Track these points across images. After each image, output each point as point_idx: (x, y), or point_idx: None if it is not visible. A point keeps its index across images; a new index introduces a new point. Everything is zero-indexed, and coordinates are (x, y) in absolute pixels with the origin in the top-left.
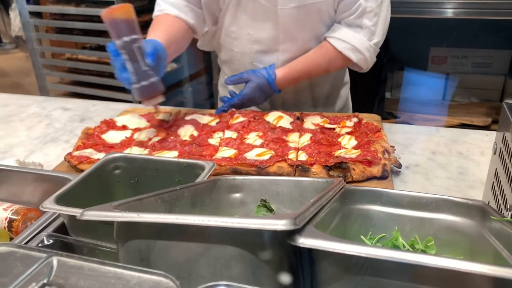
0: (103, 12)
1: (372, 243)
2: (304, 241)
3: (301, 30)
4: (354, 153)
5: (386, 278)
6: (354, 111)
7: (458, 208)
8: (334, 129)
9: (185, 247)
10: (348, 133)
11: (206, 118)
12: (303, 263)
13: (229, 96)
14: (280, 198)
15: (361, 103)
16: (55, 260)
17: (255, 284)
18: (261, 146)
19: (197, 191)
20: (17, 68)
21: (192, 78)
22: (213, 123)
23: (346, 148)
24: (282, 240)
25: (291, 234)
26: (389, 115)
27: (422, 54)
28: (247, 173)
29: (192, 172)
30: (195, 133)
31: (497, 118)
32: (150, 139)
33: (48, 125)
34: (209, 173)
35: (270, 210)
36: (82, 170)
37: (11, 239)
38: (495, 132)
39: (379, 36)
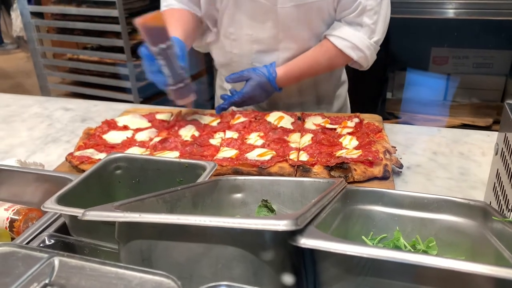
0: (138, 21)
1: (373, 244)
2: (306, 242)
3: (301, 29)
4: (356, 154)
5: (388, 278)
6: (355, 111)
7: (459, 208)
8: (335, 129)
9: (187, 247)
10: (349, 133)
11: (207, 119)
12: (306, 263)
13: (229, 94)
14: (281, 198)
15: (362, 104)
16: (56, 261)
17: (256, 285)
18: (262, 146)
19: (198, 192)
20: (18, 68)
21: (193, 78)
22: (214, 124)
23: (347, 149)
24: (284, 241)
25: (292, 234)
26: (390, 116)
27: (423, 55)
28: (248, 174)
29: (193, 173)
30: (196, 134)
31: (498, 118)
32: (151, 139)
33: (50, 125)
34: (210, 174)
35: (271, 210)
36: (83, 170)
37: (12, 239)
38: (496, 133)
39: (379, 34)
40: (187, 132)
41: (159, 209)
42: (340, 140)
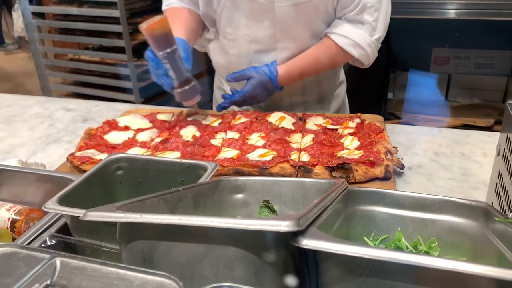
0: (144, 26)
1: (375, 244)
2: (308, 243)
3: (299, 28)
4: (357, 154)
5: (390, 279)
6: (356, 112)
7: (461, 209)
8: (336, 130)
9: (188, 248)
10: (350, 134)
11: (208, 119)
12: (308, 264)
13: (230, 94)
14: (282, 199)
15: (363, 104)
16: (58, 261)
17: (258, 286)
18: (264, 146)
19: (200, 192)
20: (19, 69)
21: (195, 78)
22: (216, 124)
23: (349, 149)
24: (285, 241)
25: (294, 235)
26: (391, 116)
27: (425, 55)
28: (250, 174)
29: (195, 173)
30: (198, 134)
31: (499, 119)
32: (152, 140)
33: (51, 125)
34: (212, 174)
35: (273, 211)
36: (84, 171)
37: (13, 239)
38: (497, 133)
39: (380, 32)
40: (188, 133)
41: (160, 210)
42: (342, 140)
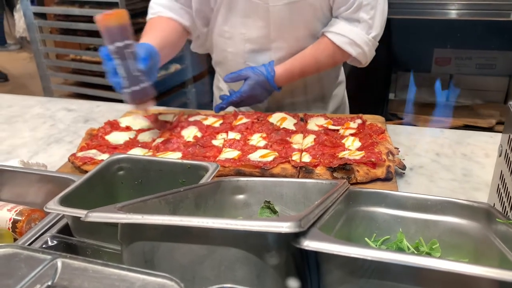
0: (98, 17)
1: (376, 245)
2: (309, 244)
3: (294, 28)
4: (358, 155)
5: (391, 281)
6: (357, 112)
7: (463, 210)
8: (338, 130)
9: (189, 249)
10: (352, 134)
11: (209, 119)
12: (309, 265)
13: (228, 94)
14: (284, 199)
15: (364, 105)
16: (59, 262)
17: (259, 287)
18: (265, 147)
19: (201, 193)
20: (21, 69)
21: (195, 79)
22: (217, 124)
23: (350, 150)
24: (287, 243)
25: (295, 236)
26: (393, 117)
27: (426, 55)
28: (251, 175)
29: (196, 174)
30: (199, 134)
31: (501, 119)
32: (153, 140)
33: (52, 126)
34: (213, 175)
35: (274, 211)
36: (86, 171)
37: (15, 239)
38: (499, 134)
39: (377, 30)
40: (190, 133)
41: (162, 210)
42: (343, 141)
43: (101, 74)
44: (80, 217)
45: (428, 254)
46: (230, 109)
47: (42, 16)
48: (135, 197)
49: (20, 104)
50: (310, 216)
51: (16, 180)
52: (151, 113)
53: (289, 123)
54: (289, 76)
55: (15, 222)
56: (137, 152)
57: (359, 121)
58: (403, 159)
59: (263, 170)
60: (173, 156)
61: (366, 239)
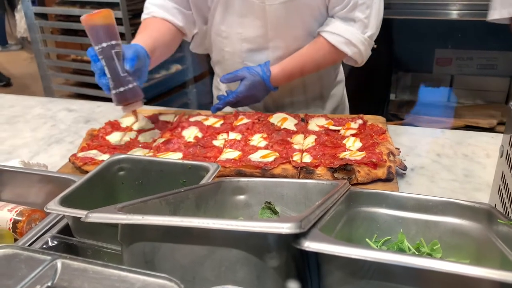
0: (83, 17)
1: (377, 246)
2: (310, 245)
3: (291, 27)
4: (359, 155)
5: (392, 282)
6: (358, 112)
7: (464, 211)
8: (338, 131)
9: (190, 249)
10: (353, 135)
11: (210, 120)
12: (310, 266)
13: (225, 95)
14: (284, 200)
15: (365, 105)
16: (59, 263)
17: None
18: (266, 147)
19: (202, 193)
20: (22, 69)
21: (196, 79)
22: (218, 125)
23: (351, 150)
24: (287, 244)
25: (296, 237)
26: (394, 117)
27: (427, 56)
28: (252, 175)
29: (197, 174)
30: (200, 135)
31: (502, 119)
32: (154, 141)
33: (53, 126)
34: (214, 175)
35: (275, 212)
36: (86, 172)
37: (15, 240)
38: (500, 134)
39: (372, 29)
40: (190, 134)
41: (162, 211)
42: (344, 141)
43: None
44: (80, 218)
45: (429, 255)
46: (230, 109)
47: (43, 16)
48: (135, 197)
49: (21, 104)
50: (310, 217)
51: (16, 180)
52: (141, 114)
53: (290, 123)
54: (285, 76)
55: (15, 223)
56: (137, 153)
57: (360, 121)
58: (404, 160)
59: (263, 170)
60: (174, 157)
61: (367, 240)
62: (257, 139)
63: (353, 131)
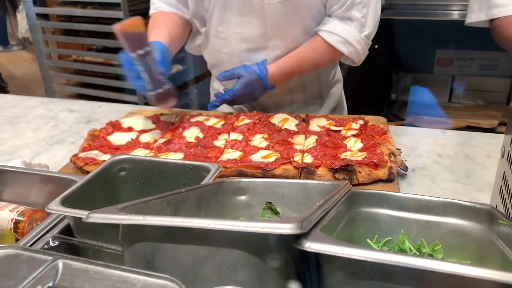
0: (116, 27)
1: (378, 247)
2: (311, 245)
3: (290, 26)
4: (360, 156)
5: (393, 282)
6: (359, 113)
7: (465, 211)
8: (340, 131)
9: (191, 250)
10: (354, 135)
11: (211, 120)
12: (310, 267)
13: (222, 92)
14: (285, 200)
15: (366, 105)
16: (60, 263)
17: None
18: (267, 148)
19: (203, 194)
20: (23, 70)
21: (197, 80)
22: (219, 125)
23: (352, 151)
24: (288, 244)
25: (297, 238)
26: (395, 118)
27: (428, 56)
28: (253, 175)
29: (198, 174)
30: (201, 135)
31: (503, 120)
32: (155, 141)
33: (54, 126)
34: (215, 175)
35: (276, 213)
36: (87, 172)
37: (16, 240)
38: (501, 135)
39: (370, 28)
40: (191, 134)
41: (163, 211)
42: (345, 142)
43: (103, 75)
44: (81, 218)
45: (430, 256)
46: (231, 110)
47: (44, 17)
48: (136, 198)
49: (22, 104)
50: (311, 217)
51: (18, 180)
52: (172, 111)
53: (291, 124)
54: (282, 74)
55: (17, 223)
56: (139, 153)
57: (361, 122)
58: (405, 160)
59: (264, 171)
60: (175, 157)
61: (368, 240)
62: (258, 140)
63: (354, 132)
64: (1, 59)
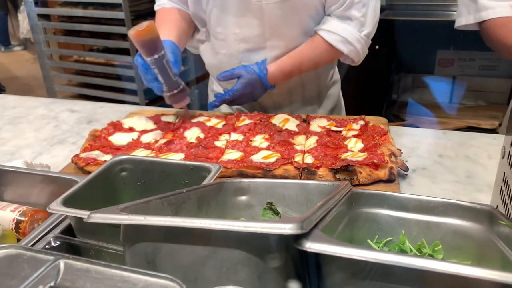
0: (132, 34)
1: (379, 247)
2: (311, 246)
3: (288, 26)
4: (361, 156)
5: (393, 283)
6: (360, 113)
7: (465, 212)
8: (340, 132)
9: (192, 250)
10: (354, 136)
11: (212, 121)
12: (310, 267)
13: (222, 92)
14: (286, 201)
15: (367, 106)
16: (62, 263)
17: None
18: (267, 148)
19: (203, 194)
20: (25, 70)
21: (198, 80)
22: (219, 126)
23: (353, 151)
24: (289, 244)
25: (297, 238)
26: (395, 118)
27: (429, 57)
28: (253, 176)
29: (199, 175)
30: (202, 135)
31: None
32: (156, 141)
33: (56, 127)
34: (215, 176)
35: (276, 213)
36: (89, 172)
37: (18, 240)
38: (502, 136)
39: (369, 27)
40: (192, 134)
41: (164, 212)
42: (346, 142)
43: (104, 75)
44: (83, 218)
45: (431, 256)
46: (231, 110)
47: (46, 17)
48: (137, 198)
49: (24, 105)
50: (312, 217)
51: (19, 180)
52: (187, 110)
53: (292, 124)
54: (282, 74)
55: (18, 223)
56: (140, 153)
57: (361, 122)
58: (406, 161)
59: (265, 171)
60: (176, 157)
61: (368, 240)
62: (259, 140)
63: (355, 132)
64: (3, 60)
